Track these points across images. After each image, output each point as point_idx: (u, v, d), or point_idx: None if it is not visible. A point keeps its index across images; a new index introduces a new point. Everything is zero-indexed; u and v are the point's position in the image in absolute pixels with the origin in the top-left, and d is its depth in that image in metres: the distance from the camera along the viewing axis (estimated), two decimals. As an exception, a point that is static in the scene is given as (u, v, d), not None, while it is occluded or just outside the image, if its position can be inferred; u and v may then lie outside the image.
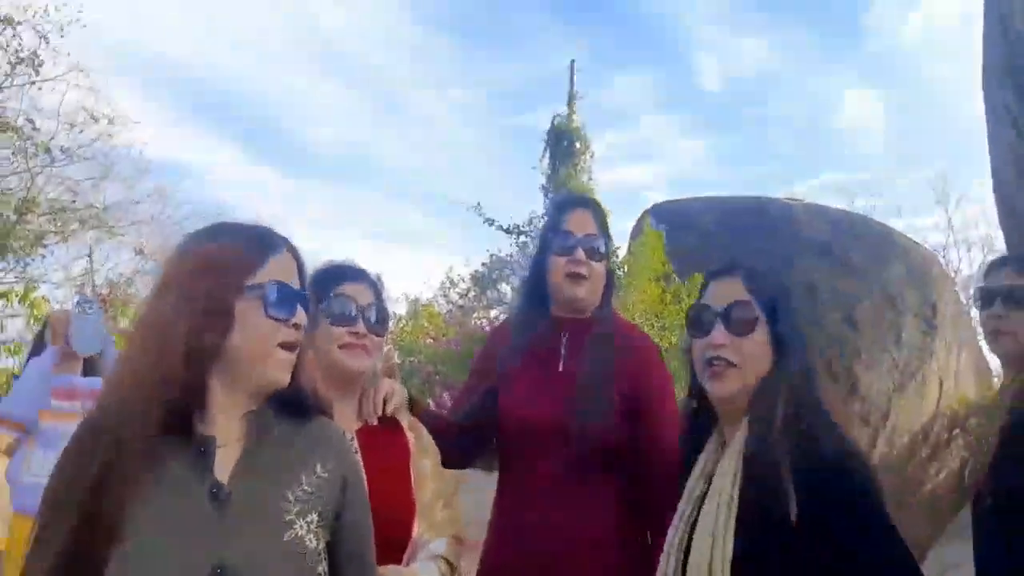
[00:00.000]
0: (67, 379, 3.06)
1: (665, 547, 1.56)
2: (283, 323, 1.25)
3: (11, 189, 15.20)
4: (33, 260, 15.44)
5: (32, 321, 7.68)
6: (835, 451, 1.38)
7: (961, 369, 9.90)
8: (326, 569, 1.27)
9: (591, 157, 13.43)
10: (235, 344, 1.22)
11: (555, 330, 2.08)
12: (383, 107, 43.37)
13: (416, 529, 1.70)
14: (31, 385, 3.08)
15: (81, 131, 15.91)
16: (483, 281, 12.53)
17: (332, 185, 43.34)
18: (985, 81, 7.21)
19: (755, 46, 42.11)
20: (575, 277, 2.02)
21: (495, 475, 2.13)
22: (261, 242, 1.29)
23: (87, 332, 3.01)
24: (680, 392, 2.26)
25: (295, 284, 1.30)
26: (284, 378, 1.27)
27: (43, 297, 8.35)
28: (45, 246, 15.63)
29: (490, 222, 11.77)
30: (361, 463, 1.47)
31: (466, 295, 13.02)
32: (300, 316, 1.28)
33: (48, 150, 14.92)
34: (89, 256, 17.23)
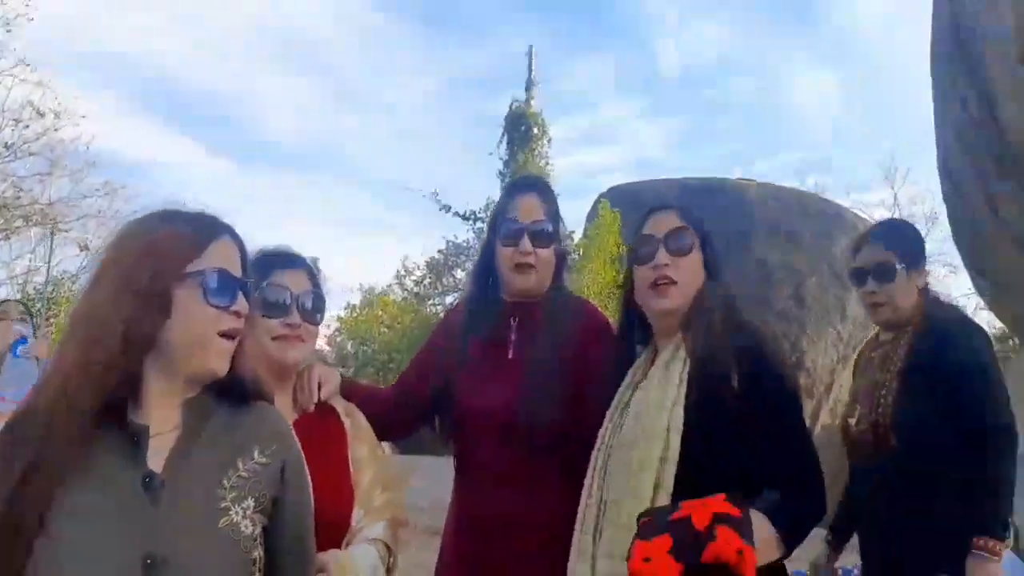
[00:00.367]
0: None
1: (595, 451, 1.75)
2: (223, 311, 1.23)
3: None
4: (-26, 258, 14.99)
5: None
6: (759, 339, 1.67)
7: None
8: (261, 554, 1.25)
9: (548, 142, 13.49)
10: (173, 332, 1.20)
11: (505, 316, 2.07)
12: (342, 95, 42.89)
13: (355, 516, 1.69)
14: None
15: (27, 126, 15.53)
16: (439, 268, 12.50)
17: (289, 174, 42.77)
18: (933, 59, 7.34)
19: (713, 29, 42.55)
20: (522, 267, 2.01)
21: (445, 459, 2.12)
22: (202, 228, 1.26)
23: (14, 378, 2.92)
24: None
25: (237, 271, 1.28)
26: (223, 367, 1.25)
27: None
28: (-13, 243, 15.20)
29: (446, 209, 11.74)
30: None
31: (421, 282, 12.97)
32: (241, 304, 1.26)
33: (-8, 146, 14.52)
34: (32, 253, 16.71)
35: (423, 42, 42.77)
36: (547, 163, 12.54)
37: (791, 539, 1.51)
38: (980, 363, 2.18)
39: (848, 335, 10.50)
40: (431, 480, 2.98)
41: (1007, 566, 2.12)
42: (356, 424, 1.81)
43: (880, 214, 22.11)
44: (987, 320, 11.31)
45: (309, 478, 1.37)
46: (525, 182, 2.23)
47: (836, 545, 2.54)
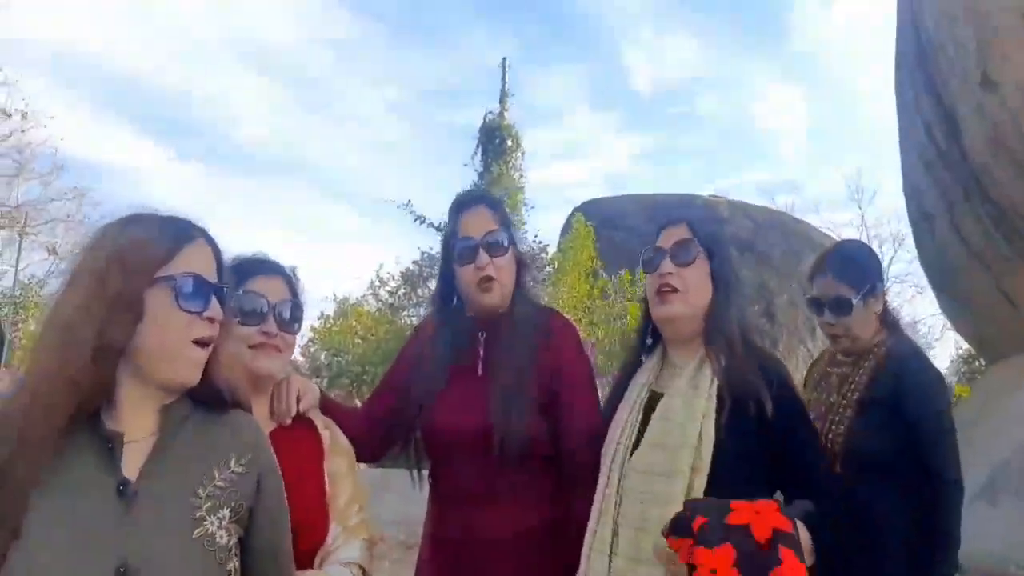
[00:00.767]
0: None
1: (609, 446, 1.82)
2: (196, 316, 1.21)
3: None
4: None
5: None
6: (779, 370, 1.80)
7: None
8: (237, 566, 1.24)
9: (522, 155, 13.53)
10: (145, 338, 1.18)
11: (472, 332, 2.05)
12: (314, 105, 42.71)
13: (331, 532, 1.66)
14: None
15: (-7, 128, 15.20)
16: (414, 279, 12.46)
17: (261, 183, 42.46)
18: (897, 80, 7.48)
19: (683, 45, 43.09)
20: (484, 283, 1.99)
21: (416, 474, 2.12)
22: (175, 232, 1.24)
23: None
24: (605, 387, 2.31)
25: (212, 277, 1.26)
26: (193, 378, 1.23)
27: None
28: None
29: (421, 220, 11.70)
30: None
31: (396, 293, 12.91)
32: (215, 310, 1.23)
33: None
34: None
35: (393, 53, 42.86)
36: (521, 176, 12.57)
37: (821, 548, 1.55)
38: (939, 412, 2.22)
39: (817, 353, 10.65)
40: (403, 495, 2.96)
41: None
42: (335, 437, 1.78)
43: (848, 234, 22.53)
44: (953, 340, 11.53)
45: (284, 490, 1.35)
46: (469, 197, 2.16)
47: None
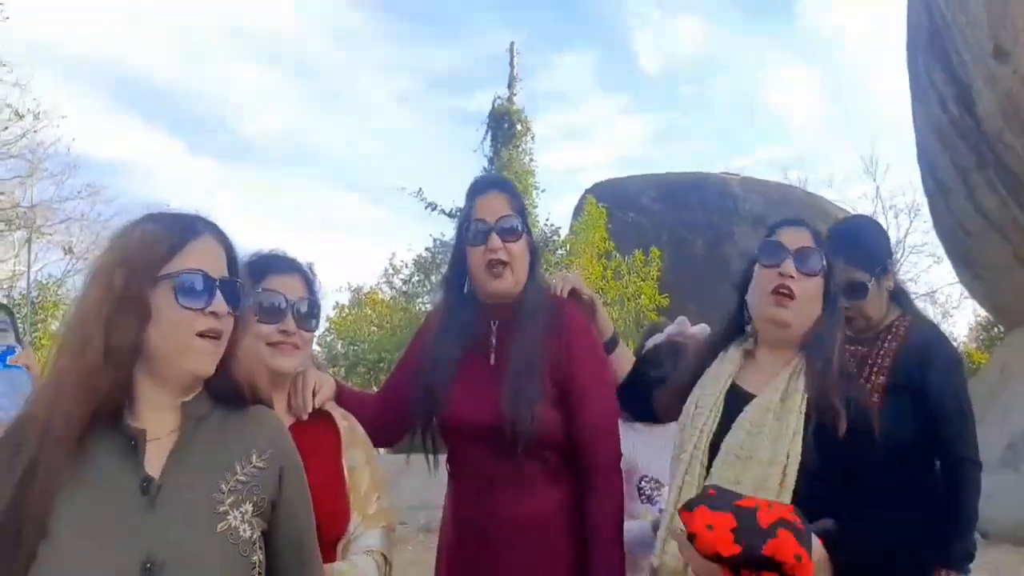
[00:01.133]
0: None
1: (689, 429, 1.75)
2: (198, 313, 1.22)
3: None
4: (-45, 263, 14.85)
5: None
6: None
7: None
8: (261, 558, 1.26)
9: (532, 139, 13.48)
10: (154, 337, 1.20)
11: (484, 319, 2.05)
12: (323, 96, 42.71)
13: (352, 522, 1.68)
14: None
15: (6, 128, 15.32)
16: (427, 266, 12.48)
17: (273, 174, 42.60)
18: (909, 53, 7.41)
19: (691, 25, 42.67)
20: (494, 266, 1.98)
21: (435, 459, 2.14)
22: (178, 229, 1.25)
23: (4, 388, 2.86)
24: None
25: (220, 270, 1.26)
26: (206, 367, 1.24)
27: (-32, 302, 8.05)
28: (-32, 249, 15.04)
29: (432, 207, 11.72)
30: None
31: (409, 280, 12.94)
32: (218, 304, 1.23)
33: (-31, 150, 14.36)
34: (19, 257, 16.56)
35: (401, 41, 42.72)
36: (531, 159, 12.55)
37: (843, 569, 1.53)
38: (959, 393, 2.24)
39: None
40: (422, 480, 2.99)
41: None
42: (352, 429, 1.80)
43: (863, 207, 22.28)
44: (972, 308, 11.45)
45: (306, 483, 1.37)
46: (485, 181, 2.16)
47: None
